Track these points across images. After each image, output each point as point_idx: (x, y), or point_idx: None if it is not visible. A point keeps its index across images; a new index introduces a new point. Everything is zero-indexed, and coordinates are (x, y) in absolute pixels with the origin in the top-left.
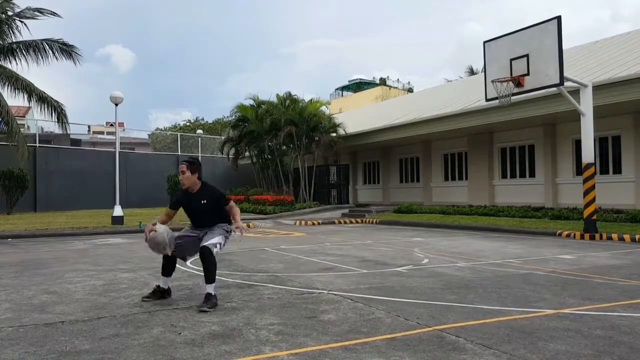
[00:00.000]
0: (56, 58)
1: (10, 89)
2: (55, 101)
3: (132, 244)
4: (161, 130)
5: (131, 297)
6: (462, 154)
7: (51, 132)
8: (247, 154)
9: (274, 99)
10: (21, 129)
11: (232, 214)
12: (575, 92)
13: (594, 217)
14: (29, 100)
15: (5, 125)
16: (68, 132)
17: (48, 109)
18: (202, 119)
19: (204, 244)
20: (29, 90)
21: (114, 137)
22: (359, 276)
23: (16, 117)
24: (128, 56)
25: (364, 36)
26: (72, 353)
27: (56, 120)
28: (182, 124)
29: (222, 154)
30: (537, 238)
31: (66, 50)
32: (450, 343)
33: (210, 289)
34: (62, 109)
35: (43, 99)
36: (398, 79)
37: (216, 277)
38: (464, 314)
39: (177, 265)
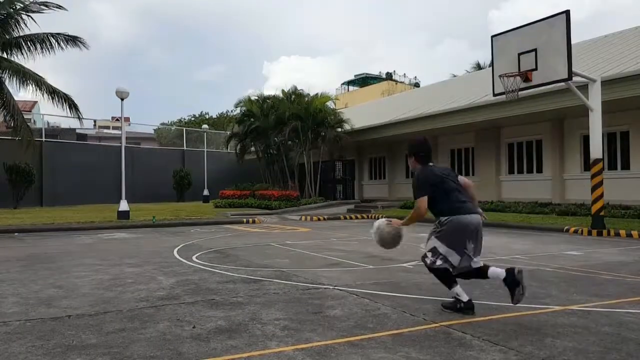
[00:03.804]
0: (62, 48)
1: (18, 82)
2: (64, 93)
3: (138, 238)
4: (166, 125)
5: (137, 292)
6: (469, 149)
7: (57, 126)
8: (252, 149)
9: (280, 94)
10: (27, 124)
11: None
12: (584, 87)
13: (602, 213)
14: (41, 93)
15: (11, 119)
16: (81, 118)
17: (59, 101)
18: (207, 114)
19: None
20: (38, 83)
21: (120, 132)
22: (365, 272)
23: (22, 112)
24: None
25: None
26: (79, 347)
27: (68, 110)
28: (187, 118)
29: (228, 149)
30: (545, 234)
31: (72, 40)
32: (456, 339)
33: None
34: (72, 101)
35: (53, 91)
36: (404, 74)
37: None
38: None
39: (181, 259)
